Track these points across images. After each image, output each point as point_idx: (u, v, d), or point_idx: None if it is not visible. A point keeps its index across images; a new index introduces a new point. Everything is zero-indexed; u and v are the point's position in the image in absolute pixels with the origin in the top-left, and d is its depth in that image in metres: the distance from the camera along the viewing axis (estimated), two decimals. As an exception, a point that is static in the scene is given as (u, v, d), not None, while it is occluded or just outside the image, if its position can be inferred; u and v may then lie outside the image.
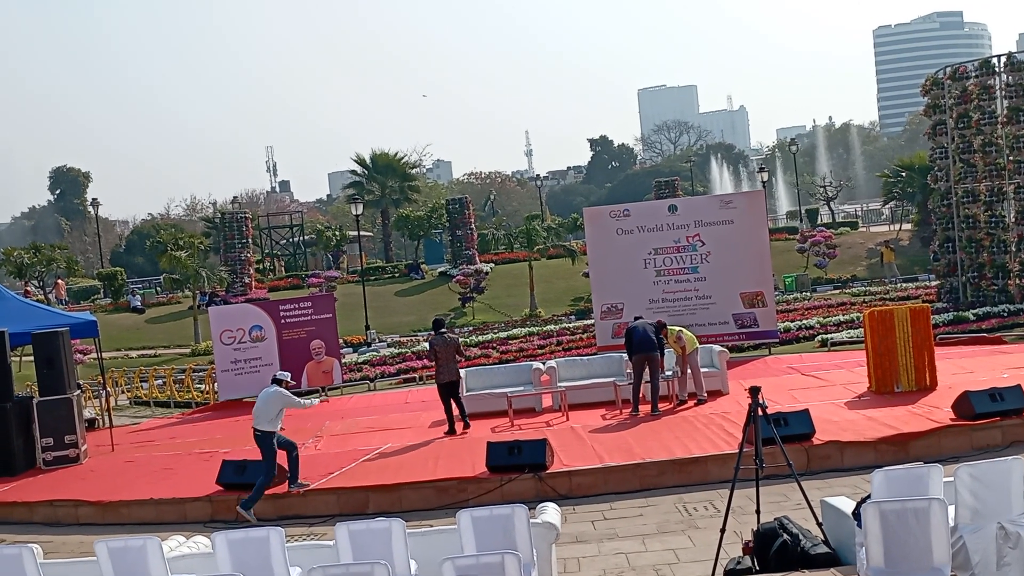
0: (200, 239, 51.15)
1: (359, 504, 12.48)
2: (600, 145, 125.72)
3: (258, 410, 12.61)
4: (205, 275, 40.09)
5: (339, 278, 44.88)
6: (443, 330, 16.19)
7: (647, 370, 15.62)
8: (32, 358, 19.39)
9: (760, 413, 8.88)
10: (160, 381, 25.75)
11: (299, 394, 21.71)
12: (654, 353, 15.59)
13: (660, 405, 15.72)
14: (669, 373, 16.37)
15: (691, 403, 15.95)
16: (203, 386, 24.32)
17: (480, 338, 28.75)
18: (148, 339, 38.26)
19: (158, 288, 50.24)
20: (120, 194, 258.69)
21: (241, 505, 12.32)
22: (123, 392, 25.96)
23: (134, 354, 35.10)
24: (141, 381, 26.30)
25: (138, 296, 45.75)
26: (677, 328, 16.50)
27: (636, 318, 16.78)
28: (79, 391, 17.42)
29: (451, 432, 15.45)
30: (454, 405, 15.71)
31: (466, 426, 15.55)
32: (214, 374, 22.56)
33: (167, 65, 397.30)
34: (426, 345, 28.02)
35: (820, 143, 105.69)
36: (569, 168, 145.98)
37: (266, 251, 58.36)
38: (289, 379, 13.24)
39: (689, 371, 16.24)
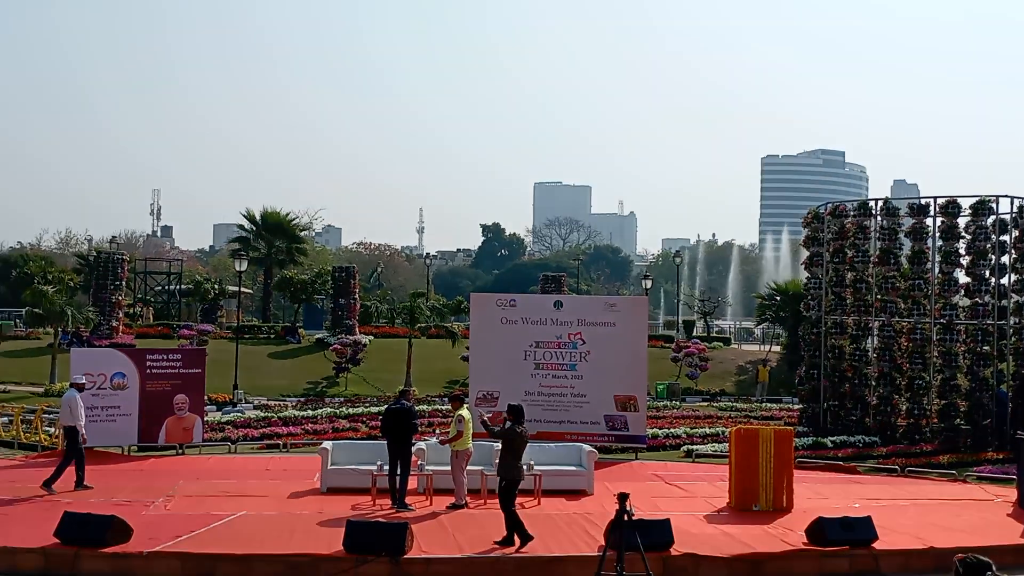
0: (71, 275, 49.32)
1: (205, 572, 11.97)
2: (492, 232, 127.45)
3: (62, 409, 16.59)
4: (71, 313, 38.42)
5: (212, 333, 43.69)
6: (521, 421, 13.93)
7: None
8: None
9: (626, 520, 8.97)
10: (6, 419, 24.35)
11: (154, 448, 21.09)
12: (404, 446, 15.20)
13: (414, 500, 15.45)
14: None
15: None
16: (53, 429, 23.10)
17: (351, 410, 28.26)
18: (-1, 373, 36.33)
19: (17, 320, 47.93)
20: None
21: (43, 483, 15.79)
22: (-36, 426, 24.43)
23: (-19, 387, 33.23)
24: (-15, 417, 24.82)
25: (-6, 327, 43.57)
26: (465, 411, 15.84)
27: (401, 394, 16.43)
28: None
29: (514, 543, 12.87)
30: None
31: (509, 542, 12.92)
32: (66, 418, 21.47)
33: (54, 95, 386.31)
34: (292, 412, 27.55)
35: (701, 258, 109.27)
36: (459, 250, 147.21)
37: (139, 296, 56.53)
38: (81, 380, 17.55)
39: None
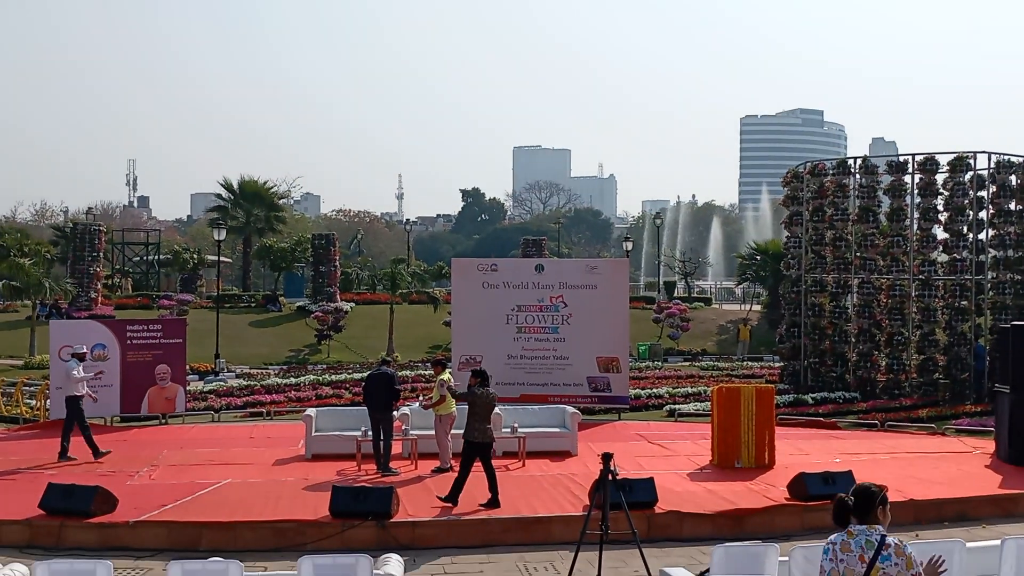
0: (47, 247, 48.89)
1: (191, 540, 11.96)
2: (472, 197, 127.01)
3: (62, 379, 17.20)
4: (49, 285, 38.10)
5: (192, 302, 43.50)
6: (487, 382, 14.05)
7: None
8: None
9: (610, 479, 9.03)
10: (-14, 392, 24.21)
11: (136, 419, 21.05)
12: (382, 412, 15.28)
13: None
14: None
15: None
16: (34, 402, 23.00)
17: (334, 377, 28.28)
18: (-23, 347, 36.07)
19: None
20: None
21: (59, 456, 16.18)
22: (-57, 400, 24.28)
23: (-40, 361, 33.03)
24: (-35, 390, 24.68)
25: (-29, 300, 43.17)
26: (447, 376, 15.88)
27: (383, 362, 16.50)
28: None
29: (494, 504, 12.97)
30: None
31: (494, 503, 12.96)
32: (47, 390, 21.39)
33: (28, 62, 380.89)
34: (275, 380, 27.50)
35: (683, 219, 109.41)
36: (439, 216, 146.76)
37: (116, 267, 56.12)
38: (82, 350, 17.51)
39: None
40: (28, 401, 23.32)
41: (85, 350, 17.85)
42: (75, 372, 16.77)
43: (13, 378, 26.24)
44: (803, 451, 17.26)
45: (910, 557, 5.57)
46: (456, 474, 13.39)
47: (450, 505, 12.88)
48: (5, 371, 30.07)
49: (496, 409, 17.65)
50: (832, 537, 5.75)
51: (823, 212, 26.77)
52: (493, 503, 12.92)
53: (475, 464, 13.24)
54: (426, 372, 28.35)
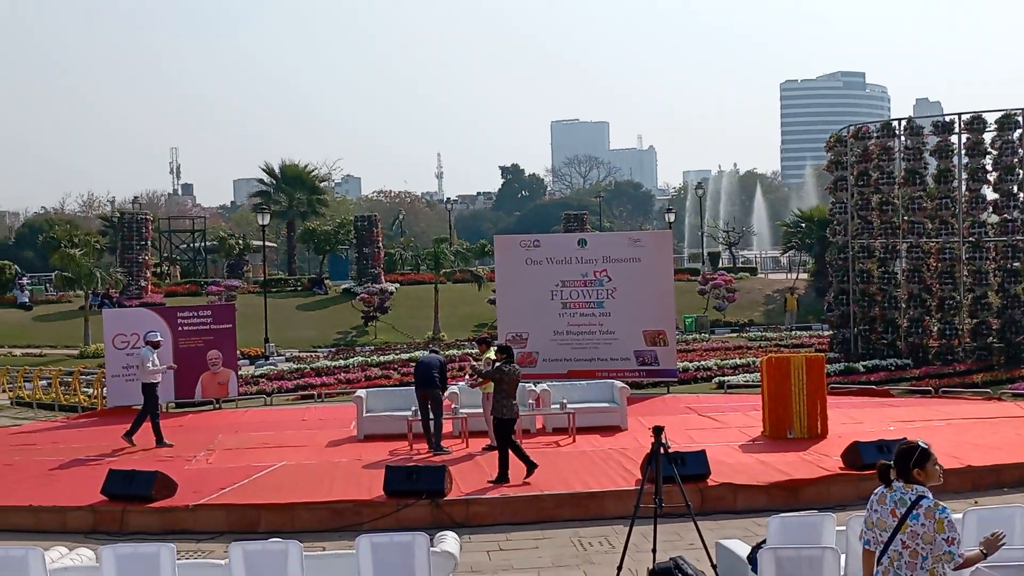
0: (96, 237, 49.66)
1: (250, 522, 12.18)
2: (511, 173, 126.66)
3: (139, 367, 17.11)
4: (99, 275, 38.78)
5: (240, 288, 44.00)
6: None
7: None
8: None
9: (662, 452, 9.02)
10: (45, 382, 24.76)
11: (191, 404, 21.39)
12: (431, 390, 15.30)
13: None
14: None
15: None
16: (91, 390, 23.49)
17: (382, 358, 28.51)
18: (34, 338, 36.82)
19: (48, 285, 48.44)
20: (12, 184, 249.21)
21: (124, 435, 16.34)
22: (4, 391, 24.89)
23: (18, 352, 33.74)
24: (25, 381, 25.26)
25: (27, 292, 44.01)
26: (492, 354, 15.57)
27: (431, 351, 16.75)
28: (-42, 388, 16.68)
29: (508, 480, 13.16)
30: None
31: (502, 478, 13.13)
32: (103, 378, 21.82)
33: (72, 54, 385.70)
34: (324, 363, 27.79)
35: (725, 188, 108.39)
36: (479, 193, 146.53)
37: (164, 255, 56.90)
38: (157, 338, 17.37)
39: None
40: (85, 390, 23.81)
41: (160, 338, 17.73)
42: (149, 362, 16.81)
43: (70, 367, 26.80)
44: (856, 420, 17.10)
45: (941, 521, 5.60)
46: (519, 450, 13.47)
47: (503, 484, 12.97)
48: (62, 361, 30.70)
49: (544, 385, 17.82)
50: (876, 489, 5.91)
51: (868, 176, 26.38)
52: (502, 478, 13.06)
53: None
54: (473, 351, 28.46)
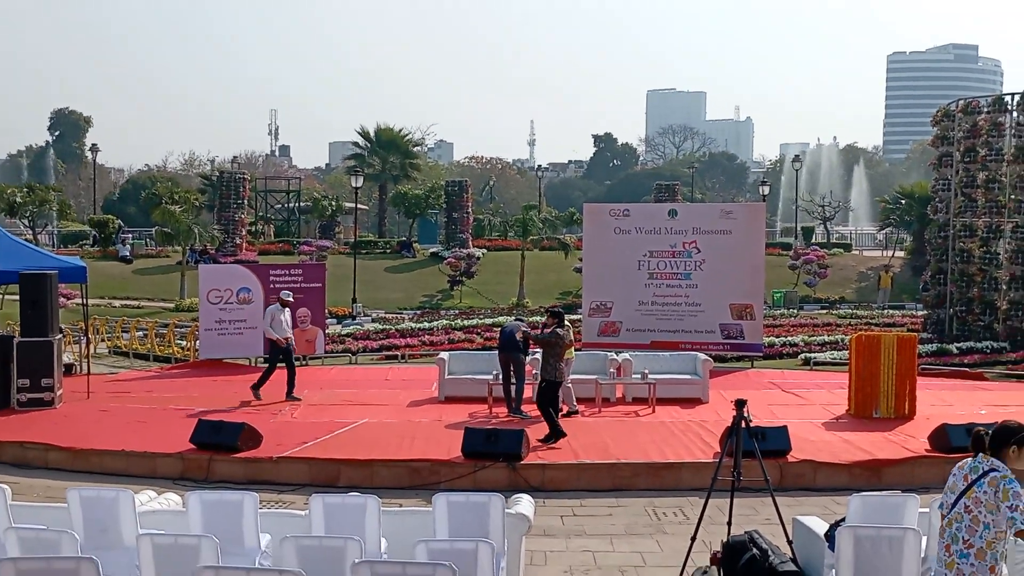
0: (195, 195, 50.98)
1: (330, 476, 12.46)
2: (603, 142, 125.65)
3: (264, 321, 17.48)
4: (197, 232, 39.84)
5: (331, 248, 44.75)
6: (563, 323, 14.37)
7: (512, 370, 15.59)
8: (17, 297, 19.25)
9: (743, 426, 8.89)
10: (141, 333, 25.61)
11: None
12: (513, 354, 15.43)
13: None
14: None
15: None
16: (184, 342, 24.22)
17: (466, 322, 28.73)
18: (133, 290, 38.06)
19: (148, 240, 50.01)
20: (118, 142, 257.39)
21: (252, 386, 16.72)
22: (103, 340, 25.82)
23: (117, 304, 34.91)
24: (123, 331, 26.16)
25: (128, 245, 45.51)
26: (568, 325, 15.44)
27: (516, 318, 16.77)
28: (60, 335, 17.34)
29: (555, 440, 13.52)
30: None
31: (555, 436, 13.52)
32: (197, 332, 22.46)
33: (177, 21, 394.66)
34: (409, 324, 28.15)
35: (823, 162, 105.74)
36: (570, 161, 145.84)
37: (260, 214, 58.14)
38: (289, 298, 17.41)
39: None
40: (179, 342, 24.55)
41: (292, 298, 17.73)
42: (273, 320, 17.01)
43: (165, 320, 27.65)
44: (946, 402, 16.63)
45: (1007, 491, 5.60)
46: (554, 415, 13.83)
47: (558, 446, 13.24)
48: (158, 313, 31.70)
49: (627, 355, 17.73)
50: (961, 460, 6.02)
51: (975, 152, 25.43)
52: (555, 435, 13.40)
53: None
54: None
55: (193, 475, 12.57)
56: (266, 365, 17.67)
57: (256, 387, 16.87)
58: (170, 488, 10.89)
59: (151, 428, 14.60)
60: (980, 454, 5.79)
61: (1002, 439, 5.76)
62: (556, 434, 13.52)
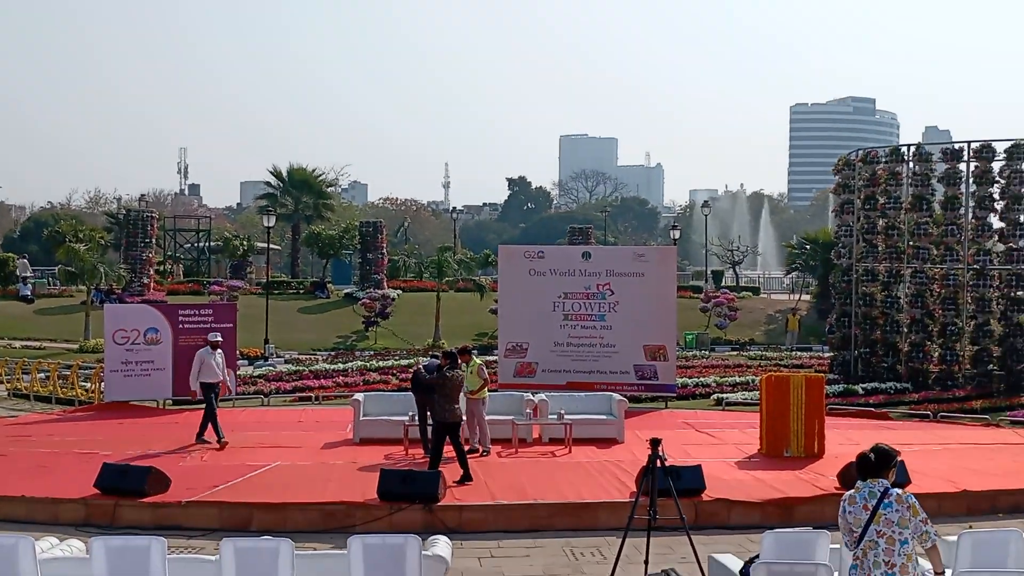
0: (101, 233, 49.72)
1: (242, 520, 12.15)
2: (518, 185, 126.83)
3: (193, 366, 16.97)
4: (103, 271, 38.77)
5: (242, 288, 43.99)
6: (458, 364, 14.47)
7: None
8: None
9: (659, 465, 8.99)
10: (43, 375, 24.74)
11: (188, 402, 21.30)
12: (429, 395, 15.04)
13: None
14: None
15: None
16: (89, 384, 23.47)
17: (381, 363, 28.49)
18: (35, 330, 36.77)
19: (51, 278, 48.47)
20: (20, 179, 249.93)
21: (205, 434, 16.37)
22: (2, 383, 24.87)
23: (18, 344, 33.70)
24: (23, 373, 25.24)
25: (29, 285, 44.02)
26: (479, 361, 16.09)
27: (431, 356, 16.87)
28: (-43, 377, 16.64)
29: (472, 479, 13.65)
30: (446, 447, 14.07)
31: (466, 478, 13.60)
32: (102, 373, 21.81)
33: (83, 49, 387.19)
34: (323, 366, 27.79)
35: (733, 208, 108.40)
36: (485, 204, 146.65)
37: (168, 253, 56.93)
38: (218, 338, 17.24)
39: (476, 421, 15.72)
40: (83, 384, 23.79)
41: (220, 339, 17.46)
42: (204, 363, 16.74)
43: (69, 361, 26.77)
44: (853, 441, 17.02)
45: (914, 505, 5.94)
46: (432, 455, 13.95)
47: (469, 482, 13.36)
48: (61, 354, 30.66)
49: (543, 395, 17.80)
50: (844, 495, 6.33)
51: (875, 200, 26.38)
52: (466, 478, 13.44)
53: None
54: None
55: (98, 521, 12.12)
56: (204, 410, 16.85)
57: (218, 433, 16.33)
58: (73, 535, 10.47)
59: (53, 473, 14.07)
60: (859, 482, 6.11)
61: (885, 462, 6.15)
62: (434, 464, 13.60)
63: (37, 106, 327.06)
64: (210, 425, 16.52)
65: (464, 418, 14.46)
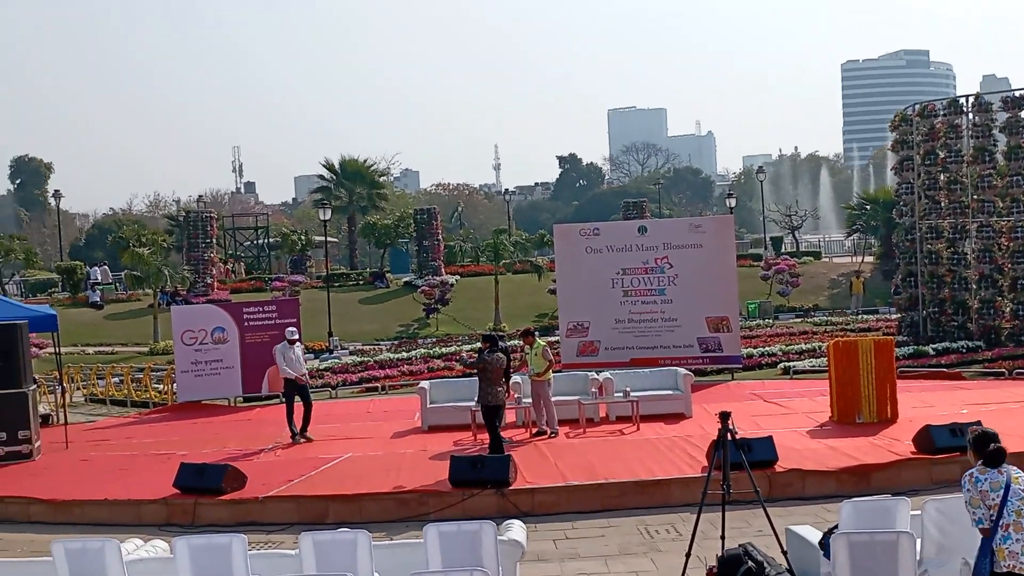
0: (163, 236, 50.58)
1: (319, 513, 12.34)
2: (569, 163, 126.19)
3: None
4: (167, 273, 39.52)
5: (303, 283, 44.52)
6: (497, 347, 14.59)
7: None
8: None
9: (729, 438, 8.91)
10: (117, 379, 25.35)
11: (258, 399, 21.68)
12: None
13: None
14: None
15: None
16: (161, 386, 23.98)
17: (444, 350, 28.65)
18: (106, 336, 37.63)
19: (118, 284, 49.52)
20: (81, 187, 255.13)
21: (292, 433, 16.19)
22: (78, 389, 25.52)
23: (91, 350, 34.50)
24: (98, 378, 25.88)
25: (98, 291, 45.04)
26: (543, 343, 16.08)
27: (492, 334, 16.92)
28: (35, 386, 17.10)
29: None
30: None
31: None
32: (173, 374, 22.25)
33: (139, 57, 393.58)
34: (387, 355, 28.02)
35: (787, 172, 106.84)
36: (537, 184, 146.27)
37: (229, 252, 57.77)
38: (295, 336, 16.84)
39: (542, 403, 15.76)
40: (156, 386, 24.31)
41: (297, 336, 17.12)
42: (282, 359, 16.55)
43: (140, 364, 27.38)
44: (927, 403, 16.76)
45: None
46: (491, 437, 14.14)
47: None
48: (132, 358, 31.36)
49: (607, 373, 17.76)
50: (968, 473, 6.52)
51: (935, 155, 25.79)
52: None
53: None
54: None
55: (179, 520, 12.40)
56: (284, 405, 17.00)
57: (295, 433, 16.39)
58: (156, 535, 10.71)
59: (133, 475, 14.41)
60: (992, 468, 6.34)
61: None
62: (496, 448, 13.80)
63: (94, 115, 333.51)
64: (289, 417, 16.58)
65: (504, 400, 14.54)
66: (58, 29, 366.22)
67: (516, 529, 8.68)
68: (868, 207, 46.15)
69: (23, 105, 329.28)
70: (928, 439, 12.73)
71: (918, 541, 7.27)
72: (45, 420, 18.91)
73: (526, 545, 8.69)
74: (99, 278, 47.19)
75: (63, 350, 21.67)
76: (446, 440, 15.70)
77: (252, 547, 9.39)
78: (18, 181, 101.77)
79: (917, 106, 27.07)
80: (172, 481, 12.94)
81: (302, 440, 16.28)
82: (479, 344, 18.32)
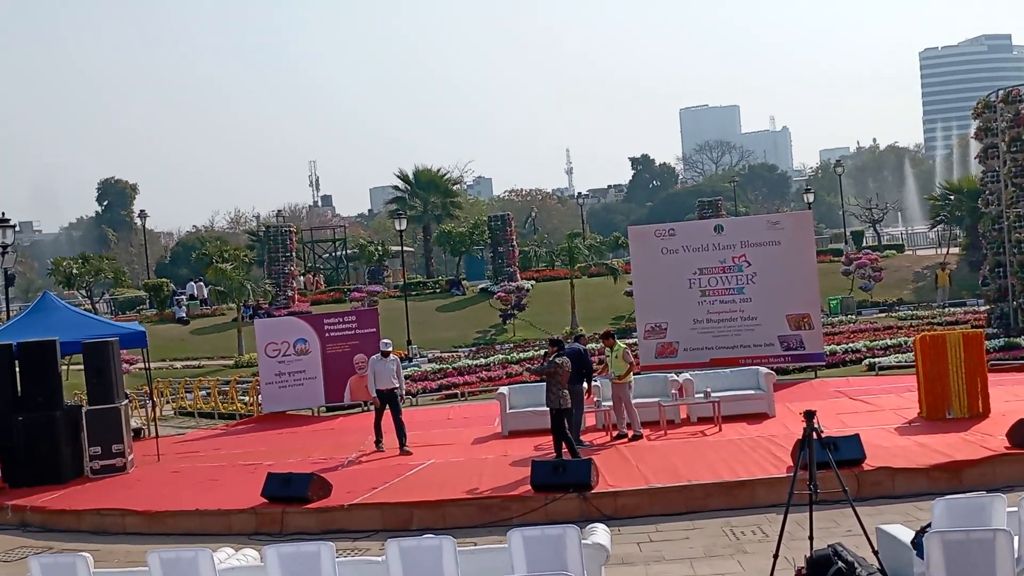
0: (244, 252, 51.73)
1: (403, 520, 12.47)
2: (641, 164, 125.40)
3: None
4: (250, 288, 40.40)
5: (381, 292, 45.07)
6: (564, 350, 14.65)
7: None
8: (81, 367, 19.62)
9: (815, 437, 8.76)
10: (204, 392, 25.97)
11: (341, 408, 22.01)
12: (574, 385, 14.88)
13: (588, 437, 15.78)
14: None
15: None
16: (247, 398, 24.50)
17: (522, 355, 28.70)
18: (192, 350, 38.63)
19: (202, 301, 50.78)
20: (166, 206, 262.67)
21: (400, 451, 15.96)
22: (168, 402, 26.21)
23: (179, 365, 35.44)
24: (186, 392, 26.55)
25: (184, 307, 46.25)
26: (623, 345, 16.06)
27: (575, 338, 16.79)
28: (126, 401, 17.61)
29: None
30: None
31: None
32: (258, 386, 22.71)
33: (217, 81, 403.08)
34: (465, 362, 28.21)
35: (866, 165, 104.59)
36: (609, 186, 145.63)
37: (309, 265, 58.79)
38: (389, 348, 16.95)
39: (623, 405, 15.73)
40: (242, 398, 24.83)
41: (390, 348, 17.14)
42: (375, 372, 16.62)
43: (227, 377, 28.00)
44: (1020, 397, 16.23)
45: None
46: (557, 443, 14.21)
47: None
48: (218, 371, 32.10)
49: (687, 374, 17.60)
50: None
51: (1021, 141, 24.97)
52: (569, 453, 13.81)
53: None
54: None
55: (267, 529, 12.64)
56: (367, 414, 17.30)
57: (379, 439, 16.58)
58: (246, 544, 10.95)
59: (222, 485, 14.74)
60: None
61: None
62: (572, 451, 13.85)
63: (175, 137, 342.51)
64: (376, 424, 16.74)
65: (570, 404, 14.37)
66: (140, 58, 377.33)
67: (600, 532, 8.65)
68: (952, 197, 44.91)
69: (108, 130, 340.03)
70: (1023, 433, 12.33)
71: (1015, 539, 7.03)
72: (137, 434, 19.47)
73: (610, 548, 8.65)
74: (195, 293, 48.89)
75: (152, 365, 22.27)
76: (527, 445, 15.73)
77: (339, 554, 9.52)
78: (105, 203, 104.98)
79: (1001, 92, 26.26)
80: (260, 491, 13.21)
81: (405, 452, 16.01)
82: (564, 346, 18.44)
